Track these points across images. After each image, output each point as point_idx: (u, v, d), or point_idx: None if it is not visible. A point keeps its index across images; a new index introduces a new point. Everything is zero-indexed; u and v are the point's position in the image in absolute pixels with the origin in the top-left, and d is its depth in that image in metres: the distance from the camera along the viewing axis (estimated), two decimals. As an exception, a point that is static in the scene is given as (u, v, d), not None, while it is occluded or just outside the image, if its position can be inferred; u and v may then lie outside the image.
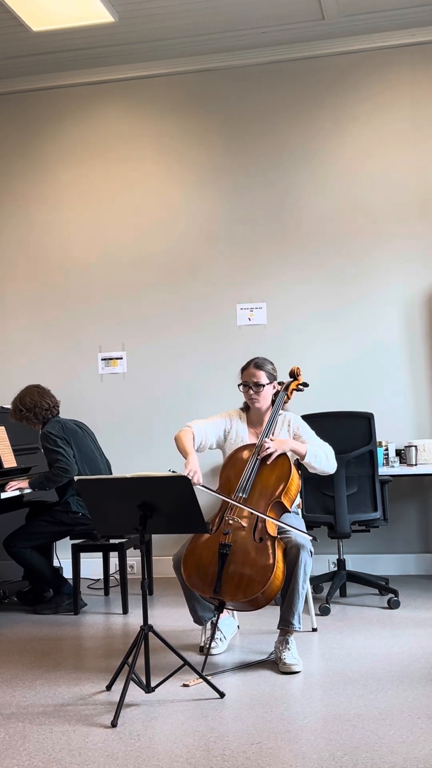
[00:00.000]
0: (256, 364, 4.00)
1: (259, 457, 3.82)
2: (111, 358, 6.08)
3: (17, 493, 4.92)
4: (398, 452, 5.43)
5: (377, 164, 5.79)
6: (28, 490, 4.96)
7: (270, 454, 3.80)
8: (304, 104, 5.91)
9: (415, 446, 5.30)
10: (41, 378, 6.09)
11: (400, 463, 5.37)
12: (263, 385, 3.97)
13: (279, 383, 4.10)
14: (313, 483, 4.73)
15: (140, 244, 6.09)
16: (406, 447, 5.35)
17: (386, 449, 5.34)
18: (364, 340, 5.75)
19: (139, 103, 6.15)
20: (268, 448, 3.80)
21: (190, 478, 3.62)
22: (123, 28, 5.51)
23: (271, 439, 3.85)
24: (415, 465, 5.27)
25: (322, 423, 4.90)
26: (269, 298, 5.88)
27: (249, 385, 3.99)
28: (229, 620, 4.11)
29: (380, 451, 5.18)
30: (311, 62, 5.89)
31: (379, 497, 4.81)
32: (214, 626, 3.91)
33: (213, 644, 3.88)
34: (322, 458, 3.92)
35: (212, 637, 3.83)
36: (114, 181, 6.16)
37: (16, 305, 6.24)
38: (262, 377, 3.98)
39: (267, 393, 4.01)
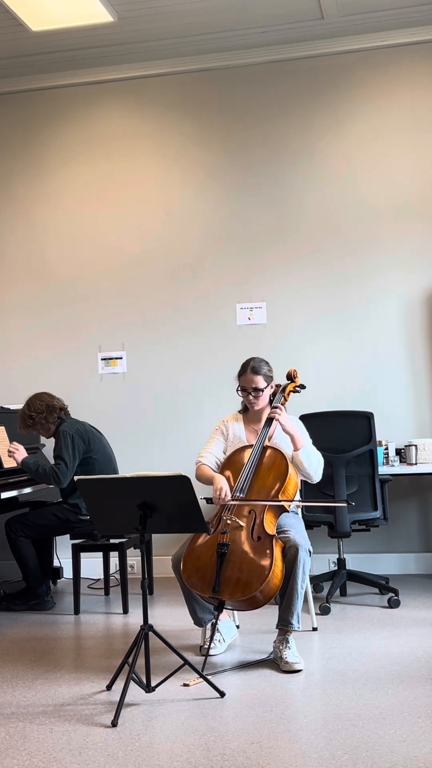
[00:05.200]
0: (253, 369, 4.03)
1: (270, 416, 3.96)
2: (111, 358, 6.08)
3: (12, 465, 4.97)
4: (398, 451, 5.42)
5: (377, 163, 5.78)
6: (18, 489, 5.00)
7: (278, 417, 3.93)
8: (303, 104, 5.91)
9: (415, 445, 5.30)
10: (41, 377, 6.10)
11: (400, 462, 5.37)
12: (262, 390, 4.03)
13: (276, 385, 4.15)
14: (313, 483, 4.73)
15: (140, 243, 6.09)
16: (406, 446, 5.34)
17: (386, 448, 5.34)
18: (364, 339, 5.75)
19: (139, 103, 6.15)
20: (281, 412, 3.93)
21: (222, 497, 3.79)
22: (122, 28, 5.51)
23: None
24: (415, 464, 5.27)
25: (322, 422, 4.92)
26: (269, 298, 5.88)
27: (248, 390, 4.03)
28: (229, 623, 4.12)
29: (380, 451, 5.17)
30: (311, 62, 5.89)
31: (379, 496, 4.82)
32: (214, 627, 3.92)
33: (212, 645, 3.89)
34: (314, 461, 3.99)
35: (211, 638, 3.84)
36: (114, 180, 6.16)
37: (15, 305, 6.24)
38: (260, 381, 4.03)
39: (266, 394, 4.09)
